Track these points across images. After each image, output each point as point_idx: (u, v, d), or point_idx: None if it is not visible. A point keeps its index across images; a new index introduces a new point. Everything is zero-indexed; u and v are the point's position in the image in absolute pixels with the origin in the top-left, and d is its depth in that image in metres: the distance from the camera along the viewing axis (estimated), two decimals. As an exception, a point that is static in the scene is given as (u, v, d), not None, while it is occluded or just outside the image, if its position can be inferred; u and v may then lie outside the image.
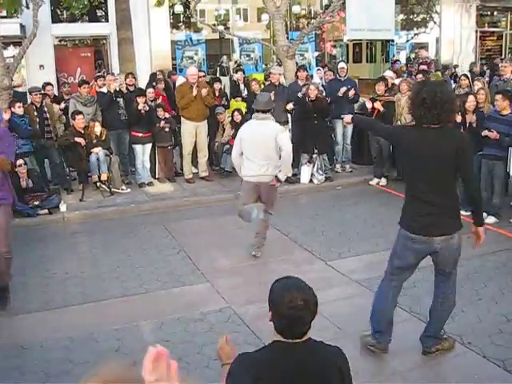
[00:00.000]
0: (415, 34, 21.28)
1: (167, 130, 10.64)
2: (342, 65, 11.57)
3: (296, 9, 19.37)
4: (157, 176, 10.94)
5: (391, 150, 10.66)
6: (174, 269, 7.01)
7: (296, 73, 11.55)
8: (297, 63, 13.41)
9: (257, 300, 5.64)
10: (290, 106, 10.50)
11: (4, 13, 13.09)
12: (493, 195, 8.38)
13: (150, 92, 11.05)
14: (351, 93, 10.87)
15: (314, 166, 10.62)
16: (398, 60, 18.46)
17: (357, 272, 6.69)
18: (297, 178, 10.74)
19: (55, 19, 15.74)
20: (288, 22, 17.58)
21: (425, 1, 21.09)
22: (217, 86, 11.75)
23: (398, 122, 10.27)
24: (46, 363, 4.94)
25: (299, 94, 10.40)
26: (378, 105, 10.16)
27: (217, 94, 11.55)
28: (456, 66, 17.39)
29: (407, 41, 20.85)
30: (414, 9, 21.49)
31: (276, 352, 2.56)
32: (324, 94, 11.06)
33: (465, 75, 11.48)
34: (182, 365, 4.70)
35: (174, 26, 17.89)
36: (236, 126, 10.94)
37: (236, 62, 18.32)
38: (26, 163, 9.32)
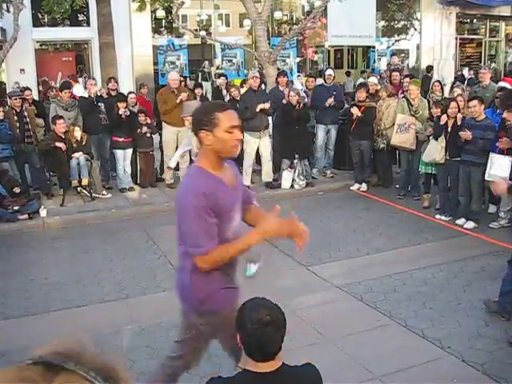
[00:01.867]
0: (396, 41, 21.48)
1: (148, 135, 10.63)
2: (329, 72, 11.63)
3: (278, 15, 19.46)
4: (138, 181, 10.91)
5: (372, 156, 10.75)
6: (155, 274, 6.99)
7: (276, 78, 11.61)
8: (278, 69, 13.47)
9: (237, 304, 5.64)
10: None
11: (-16, 17, 12.98)
12: (471, 201, 8.47)
13: (132, 97, 11.03)
14: (330, 100, 10.92)
15: (295, 172, 10.65)
16: (374, 69, 18.80)
17: (337, 277, 6.72)
18: (278, 183, 10.77)
19: (36, 23, 15.67)
20: (270, 28, 17.64)
21: (405, 8, 21.29)
22: (198, 91, 11.75)
23: (378, 127, 10.37)
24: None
25: (284, 101, 10.43)
26: (355, 111, 10.28)
27: (198, 99, 11.56)
28: (430, 69, 17.63)
29: (388, 47, 21.04)
30: (394, 16, 21.71)
31: None
32: (306, 99, 11.11)
33: (438, 81, 11.61)
34: (162, 370, 4.61)
35: (156, 30, 17.88)
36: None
37: (218, 67, 18.35)
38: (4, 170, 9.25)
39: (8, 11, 12.08)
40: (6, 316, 5.99)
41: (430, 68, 18.06)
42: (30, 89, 11.87)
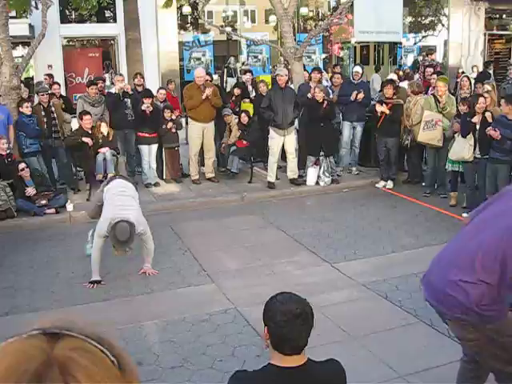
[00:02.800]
0: (423, 37, 21.26)
1: (174, 130, 10.67)
2: (356, 68, 11.55)
3: (304, 10, 19.34)
4: (164, 177, 10.96)
5: (398, 153, 10.67)
6: (180, 269, 7.02)
7: (310, 74, 11.59)
8: (304, 65, 13.42)
9: (262, 301, 5.57)
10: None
11: (13, 13, 13.12)
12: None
13: (162, 93, 11.14)
14: (360, 95, 10.85)
15: (320, 168, 10.60)
16: (401, 65, 18.58)
17: (362, 275, 6.67)
18: (303, 179, 10.73)
19: (64, 20, 15.81)
20: (295, 24, 17.57)
21: (433, 3, 21.05)
22: (236, 91, 11.79)
23: (406, 124, 10.27)
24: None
25: (308, 95, 10.39)
26: (383, 108, 10.17)
27: (233, 99, 11.67)
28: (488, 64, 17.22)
29: (415, 43, 20.83)
30: (422, 11, 21.44)
31: (272, 379, 2.49)
32: (331, 96, 11.07)
33: (466, 77, 11.45)
34: (186, 365, 4.74)
35: (182, 27, 17.94)
36: (243, 128, 10.98)
37: (243, 64, 18.34)
38: (28, 166, 9.35)
39: (36, 8, 12.20)
40: (32, 309, 6.06)
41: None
42: (58, 83, 12.00)
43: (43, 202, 9.25)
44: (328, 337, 5.01)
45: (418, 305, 5.77)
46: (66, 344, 0.82)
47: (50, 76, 12.67)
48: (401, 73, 14.71)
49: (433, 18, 21.33)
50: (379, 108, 10.24)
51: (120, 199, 6.59)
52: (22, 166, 9.24)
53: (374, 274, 6.68)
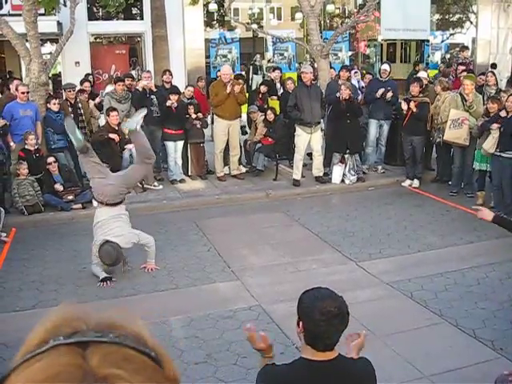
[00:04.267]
0: (451, 35, 21.04)
1: (199, 126, 10.71)
2: (384, 66, 11.44)
3: (330, 8, 19.25)
4: (189, 173, 11.01)
5: (424, 152, 10.58)
6: (205, 266, 7.05)
7: (339, 72, 11.57)
8: (330, 63, 13.38)
9: (286, 299, 5.66)
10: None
11: (41, 10, 13.26)
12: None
13: (190, 90, 11.22)
14: (389, 95, 10.78)
15: (346, 166, 10.56)
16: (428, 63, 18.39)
17: (387, 274, 6.64)
18: (328, 177, 10.70)
19: (91, 17, 15.95)
20: (322, 21, 17.50)
21: (461, 0, 20.81)
22: (263, 88, 11.81)
23: (435, 122, 10.18)
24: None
25: (337, 94, 10.34)
26: (411, 105, 10.07)
27: (260, 96, 11.71)
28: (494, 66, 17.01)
29: (442, 41, 20.62)
30: (450, 8, 21.23)
31: (303, 372, 2.50)
32: (360, 96, 11.02)
33: (492, 72, 11.28)
34: (210, 361, 4.76)
35: (208, 24, 17.98)
36: (269, 125, 10.98)
37: (269, 61, 18.33)
38: (56, 160, 9.48)
39: (65, 5, 12.32)
40: (58, 303, 6.07)
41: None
42: (89, 80, 12.12)
43: (70, 197, 9.37)
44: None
45: (443, 305, 5.74)
46: (101, 355, 0.71)
47: (87, 76, 12.76)
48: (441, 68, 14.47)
49: (461, 16, 21.10)
50: (405, 106, 10.16)
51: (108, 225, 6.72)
52: (50, 159, 9.40)
53: (399, 273, 6.64)
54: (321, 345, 2.47)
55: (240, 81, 11.03)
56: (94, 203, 9.34)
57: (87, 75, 12.20)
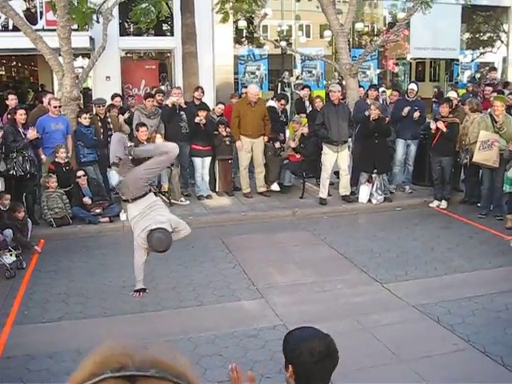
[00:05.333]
0: (481, 54, 20.86)
1: (228, 143, 10.76)
2: (412, 86, 11.40)
3: (359, 26, 19.27)
4: (216, 189, 11.06)
5: (452, 172, 10.48)
6: (230, 283, 7.05)
7: (367, 91, 11.56)
8: (359, 81, 13.36)
9: (311, 319, 5.61)
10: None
11: (74, 26, 13.50)
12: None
13: (220, 107, 11.33)
14: (416, 114, 10.72)
15: (373, 186, 10.51)
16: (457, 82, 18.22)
17: (414, 296, 6.56)
18: (355, 197, 10.66)
19: (122, 32, 16.17)
20: (351, 39, 17.51)
21: (492, 19, 20.66)
22: (282, 103, 11.85)
23: (463, 142, 10.09)
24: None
25: (366, 113, 10.32)
26: (441, 125, 10.00)
27: (280, 110, 11.72)
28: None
29: (472, 60, 20.48)
30: (480, 27, 21.06)
31: None
32: (389, 117, 11.01)
33: None
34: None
35: (237, 41, 18.10)
36: (302, 140, 11.01)
37: (297, 78, 18.37)
38: (86, 174, 9.61)
39: (98, 22, 12.53)
40: (84, 316, 6.19)
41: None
42: (120, 95, 12.28)
43: (98, 210, 9.48)
44: (377, 358, 4.94)
45: (470, 330, 5.65)
46: None
47: (117, 95, 12.91)
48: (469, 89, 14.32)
49: (491, 34, 20.92)
50: (434, 125, 10.10)
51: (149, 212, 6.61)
52: (80, 173, 9.54)
53: (426, 296, 6.56)
54: None
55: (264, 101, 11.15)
56: (122, 217, 9.47)
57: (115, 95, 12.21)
